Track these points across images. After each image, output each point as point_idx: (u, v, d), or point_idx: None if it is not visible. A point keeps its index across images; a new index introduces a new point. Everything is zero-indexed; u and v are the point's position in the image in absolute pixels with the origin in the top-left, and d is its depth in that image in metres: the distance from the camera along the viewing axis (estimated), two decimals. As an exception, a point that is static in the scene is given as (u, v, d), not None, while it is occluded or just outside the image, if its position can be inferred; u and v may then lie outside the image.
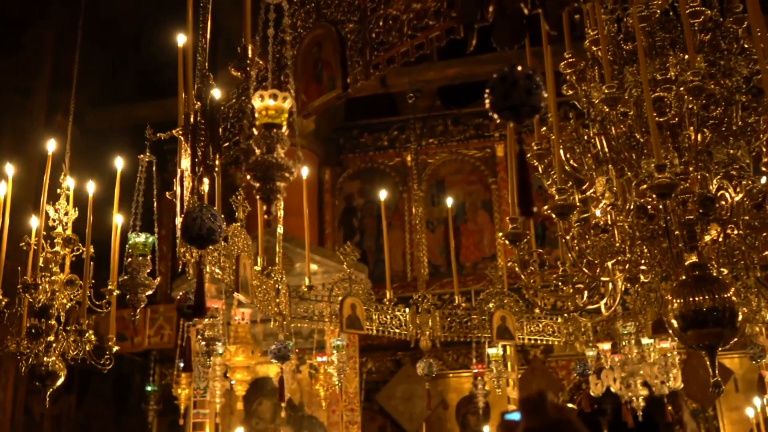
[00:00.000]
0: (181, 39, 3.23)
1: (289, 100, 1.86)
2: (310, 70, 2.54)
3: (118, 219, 4.32)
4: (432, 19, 2.06)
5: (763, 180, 3.47)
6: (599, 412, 13.02)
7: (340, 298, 4.90)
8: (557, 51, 3.84)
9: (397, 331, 5.21)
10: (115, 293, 4.22)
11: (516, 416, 1.34)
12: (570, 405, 11.27)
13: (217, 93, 2.87)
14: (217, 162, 2.80)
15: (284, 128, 1.85)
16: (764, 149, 3.60)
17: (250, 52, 2.44)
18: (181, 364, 8.21)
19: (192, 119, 2.83)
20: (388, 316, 5.16)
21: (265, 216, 1.87)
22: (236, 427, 8.94)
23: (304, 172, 4.93)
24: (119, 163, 4.29)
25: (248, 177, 1.86)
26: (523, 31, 1.72)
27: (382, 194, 5.76)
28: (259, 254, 4.45)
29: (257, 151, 1.84)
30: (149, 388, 11.20)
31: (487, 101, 1.63)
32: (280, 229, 4.78)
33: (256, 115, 1.85)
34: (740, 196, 3.41)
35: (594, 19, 3.90)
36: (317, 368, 8.53)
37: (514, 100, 1.59)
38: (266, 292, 4.53)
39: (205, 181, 2.96)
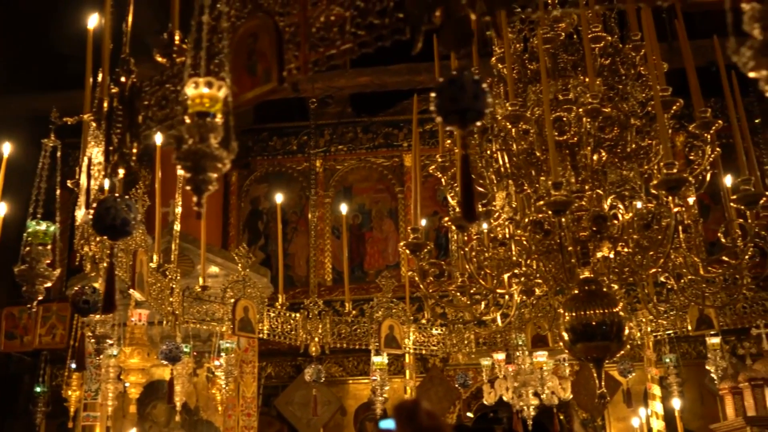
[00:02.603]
0: (93, 21, 3.09)
1: (225, 89, 1.81)
2: (243, 62, 2.47)
3: (1, 208, 4.06)
4: (376, 18, 2.01)
5: (639, 204, 3.62)
6: (495, 420, 13.28)
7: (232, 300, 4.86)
8: (465, 67, 3.90)
9: (288, 335, 5.20)
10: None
11: (391, 424, 1.36)
12: (469, 414, 11.45)
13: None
14: (134, 150, 2.69)
15: (218, 117, 1.79)
16: (655, 171, 3.76)
17: (176, 38, 2.36)
18: (73, 365, 7.96)
19: (107, 105, 2.71)
20: (280, 321, 5.15)
21: (195, 207, 1.80)
22: (129, 430, 8.71)
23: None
24: (6, 147, 4.05)
25: (179, 166, 1.78)
26: (470, 36, 1.69)
27: (278, 197, 5.76)
28: (155, 251, 4.36)
29: (189, 141, 1.77)
30: (38, 390, 10.78)
31: (432, 104, 1.60)
32: (177, 227, 4.70)
33: (189, 103, 1.78)
34: (630, 215, 3.56)
35: (501, 37, 4.00)
36: (215, 372, 8.39)
37: (461, 104, 1.58)
38: (161, 290, 4.45)
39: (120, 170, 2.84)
